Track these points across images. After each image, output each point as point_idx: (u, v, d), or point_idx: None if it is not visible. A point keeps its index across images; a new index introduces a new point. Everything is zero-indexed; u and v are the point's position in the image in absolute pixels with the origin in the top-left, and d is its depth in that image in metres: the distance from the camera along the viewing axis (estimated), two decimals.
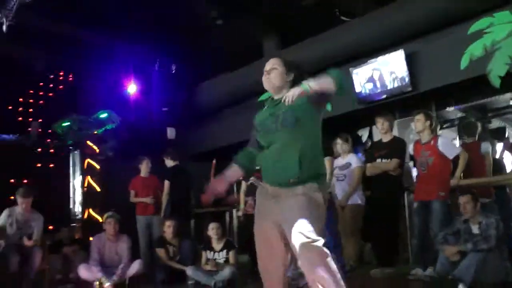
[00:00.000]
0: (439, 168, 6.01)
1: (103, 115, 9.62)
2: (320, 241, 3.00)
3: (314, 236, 3.00)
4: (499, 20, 6.53)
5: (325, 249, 3.00)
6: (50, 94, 10.26)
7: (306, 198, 3.14)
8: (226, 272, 6.54)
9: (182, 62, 10.57)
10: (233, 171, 3.58)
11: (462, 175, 6.11)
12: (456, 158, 6.08)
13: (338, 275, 2.99)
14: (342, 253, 6.02)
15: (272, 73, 3.36)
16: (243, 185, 7.51)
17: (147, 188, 8.39)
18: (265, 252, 3.31)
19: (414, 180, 6.78)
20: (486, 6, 6.60)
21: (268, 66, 3.39)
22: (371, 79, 7.97)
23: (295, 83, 3.31)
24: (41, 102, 10.16)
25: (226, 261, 6.82)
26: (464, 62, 6.83)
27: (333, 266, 3.00)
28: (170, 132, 10.98)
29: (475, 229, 5.32)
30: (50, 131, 9.62)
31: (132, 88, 10.41)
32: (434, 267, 5.54)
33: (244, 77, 9.31)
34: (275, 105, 3.34)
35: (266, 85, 3.41)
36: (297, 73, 3.39)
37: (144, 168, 8.59)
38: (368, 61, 8.00)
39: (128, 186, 8.59)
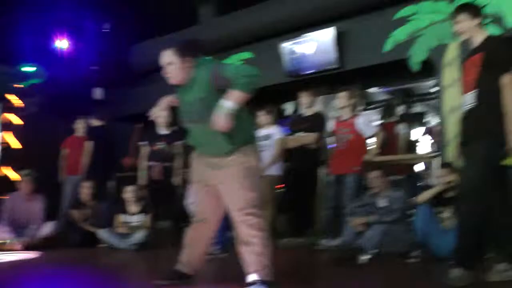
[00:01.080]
0: (356, 145, 6.22)
1: (29, 69, 9.31)
2: (256, 212, 3.35)
3: (249, 208, 3.33)
4: (423, 9, 6.85)
5: (257, 219, 3.34)
6: None
7: (240, 168, 3.37)
8: (139, 235, 6.51)
9: (117, 21, 10.35)
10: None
11: (377, 152, 6.35)
12: (374, 136, 6.33)
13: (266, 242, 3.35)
14: None
15: (170, 69, 3.43)
16: (143, 150, 7.32)
17: (79, 148, 8.10)
18: (204, 205, 3.64)
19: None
20: None
21: (163, 61, 3.45)
22: (300, 54, 8.10)
23: (196, 64, 3.43)
24: None
25: (141, 225, 6.74)
26: (388, 45, 7.13)
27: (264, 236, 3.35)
28: (98, 92, 10.73)
29: (381, 203, 5.59)
30: None
31: (62, 43, 10.08)
32: (340, 239, 5.76)
33: (178, 42, 9.19)
34: (186, 92, 3.44)
35: (170, 81, 3.49)
36: (194, 54, 3.45)
37: (80, 128, 8.40)
38: (300, 35, 8.11)
39: (52, 144, 8.40)
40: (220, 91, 3.27)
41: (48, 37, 10.00)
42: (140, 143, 7.45)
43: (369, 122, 6.58)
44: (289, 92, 7.91)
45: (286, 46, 8.19)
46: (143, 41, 10.34)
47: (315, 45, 7.91)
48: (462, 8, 4.05)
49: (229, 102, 3.21)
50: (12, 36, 9.25)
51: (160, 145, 7.17)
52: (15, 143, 9.29)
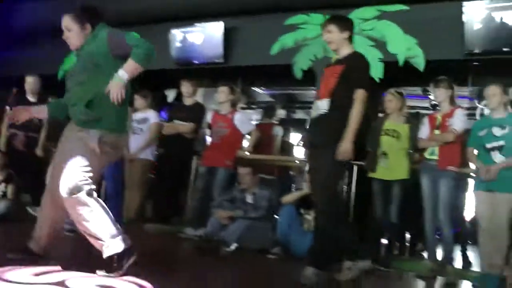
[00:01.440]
0: (231, 140, 6.37)
1: None
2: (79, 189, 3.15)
3: (73, 183, 3.13)
4: (314, 20, 7.14)
5: (82, 197, 3.14)
6: None
7: (80, 143, 3.24)
8: (1, 206, 6.13)
9: None
10: (41, 109, 3.69)
11: (250, 149, 6.56)
12: (250, 134, 6.55)
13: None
14: (122, 203, 6.07)
15: (69, 35, 3.36)
16: (7, 116, 6.94)
17: None
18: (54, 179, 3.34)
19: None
20: (307, 5, 7.10)
21: (63, 25, 3.36)
22: (188, 43, 8.15)
23: (94, 29, 3.38)
24: None
25: (4, 194, 6.40)
26: (275, 49, 7.36)
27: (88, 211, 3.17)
28: None
29: (249, 199, 5.80)
30: None
31: None
32: (204, 230, 5.84)
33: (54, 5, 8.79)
34: (79, 53, 3.41)
35: (71, 47, 3.43)
36: (93, 20, 3.40)
37: None
38: (190, 25, 8.14)
39: None
40: (110, 58, 3.26)
41: None
42: (6, 107, 7.09)
43: (246, 120, 6.77)
44: (174, 79, 7.91)
45: (176, 33, 8.20)
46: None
47: (204, 37, 8.01)
48: (333, 20, 4.23)
49: (125, 73, 3.20)
50: None
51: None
52: None
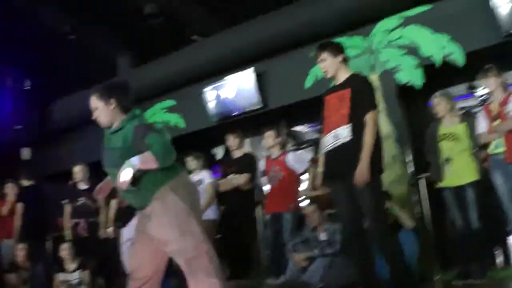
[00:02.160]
0: (289, 182, 6.28)
1: None
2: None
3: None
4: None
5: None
6: None
7: (165, 215, 3.26)
8: None
9: (35, 78, 10.18)
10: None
11: (311, 187, 6.43)
12: (306, 172, 6.44)
13: None
14: None
15: (97, 113, 3.42)
16: (67, 208, 7.26)
17: (11, 212, 7.73)
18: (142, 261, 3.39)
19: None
20: (327, 32, 7.04)
21: (91, 106, 3.44)
22: (223, 97, 8.18)
23: (121, 105, 3.43)
24: None
25: (80, 282, 6.60)
26: (308, 82, 7.30)
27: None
28: (25, 152, 10.50)
29: (322, 236, 5.66)
30: None
31: None
32: (285, 277, 5.74)
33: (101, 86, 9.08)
34: (111, 138, 3.43)
35: (100, 125, 3.48)
36: (118, 94, 3.46)
37: (10, 191, 8.09)
38: (220, 79, 8.20)
39: None
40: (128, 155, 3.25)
41: None
42: (62, 201, 7.35)
43: (299, 159, 6.69)
44: (217, 136, 7.95)
45: (208, 90, 8.26)
46: (64, 96, 10.17)
47: (237, 87, 8.02)
48: (324, 47, 4.28)
49: (137, 162, 3.16)
50: None
51: (81, 201, 7.09)
52: None
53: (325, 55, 4.20)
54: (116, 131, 3.38)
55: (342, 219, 4.28)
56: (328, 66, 4.21)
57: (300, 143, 10.56)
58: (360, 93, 4.05)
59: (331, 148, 4.14)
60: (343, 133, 4.03)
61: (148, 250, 3.35)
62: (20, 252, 7.01)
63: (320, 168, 4.46)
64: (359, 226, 4.14)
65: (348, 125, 4.02)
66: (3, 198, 7.99)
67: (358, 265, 4.26)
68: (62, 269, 6.72)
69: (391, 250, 3.99)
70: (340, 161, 4.08)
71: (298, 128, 10.15)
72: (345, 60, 4.27)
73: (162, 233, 3.25)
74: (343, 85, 4.18)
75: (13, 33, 8.79)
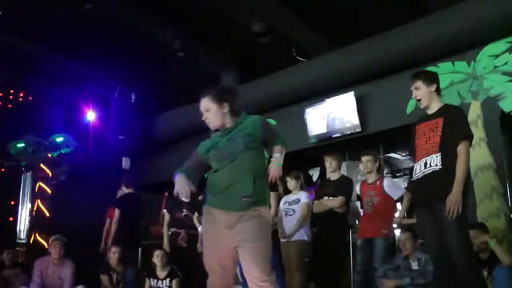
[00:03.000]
0: (383, 208, 6.21)
1: (59, 139, 9.60)
2: (272, 277, 3.29)
3: (268, 270, 3.28)
4: (442, 69, 6.96)
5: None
6: (6, 112, 10.04)
7: (259, 221, 3.39)
8: None
9: (142, 91, 10.65)
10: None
11: (405, 214, 6.32)
12: (401, 198, 6.33)
13: None
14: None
15: (208, 115, 3.53)
16: (166, 217, 7.51)
17: None
18: (218, 270, 3.48)
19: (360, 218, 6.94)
20: (431, 56, 6.95)
21: (201, 109, 3.55)
22: (323, 119, 8.22)
23: (232, 109, 3.58)
24: None
25: None
26: (410, 107, 7.21)
27: None
28: (125, 162, 10.96)
29: (414, 265, 5.54)
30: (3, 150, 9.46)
31: (90, 115, 10.40)
32: None
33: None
34: (228, 133, 3.53)
35: (210, 127, 3.59)
36: (231, 99, 3.59)
37: None
38: (321, 101, 8.27)
39: (79, 212, 8.64)
40: (258, 146, 3.52)
41: (77, 109, 10.30)
42: (164, 210, 7.60)
43: (396, 185, 6.61)
44: (315, 158, 7.97)
45: (309, 111, 8.33)
46: (167, 110, 10.56)
47: (337, 110, 8.06)
48: (418, 75, 4.29)
49: (280, 156, 3.55)
50: (45, 109, 9.65)
51: (185, 213, 7.30)
52: (44, 211, 9.48)
53: (419, 84, 4.22)
54: (231, 129, 3.53)
55: (430, 250, 4.25)
56: (422, 95, 4.23)
57: (395, 170, 10.42)
58: (453, 122, 4.05)
59: (420, 176, 4.12)
60: (433, 162, 4.02)
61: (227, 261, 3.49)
62: (113, 254, 7.25)
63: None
64: (448, 258, 4.02)
65: (439, 154, 4.00)
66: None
67: None
68: (153, 275, 6.89)
69: (476, 282, 3.88)
70: (429, 189, 4.05)
71: (393, 155, 10.02)
72: (438, 90, 4.28)
73: (249, 241, 3.36)
74: (436, 115, 4.18)
75: (124, 47, 9.24)
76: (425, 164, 4.06)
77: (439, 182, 3.96)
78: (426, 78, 4.25)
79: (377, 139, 8.07)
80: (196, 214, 7.19)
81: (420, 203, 4.20)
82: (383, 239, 6.05)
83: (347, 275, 6.85)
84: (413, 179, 4.25)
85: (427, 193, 4.07)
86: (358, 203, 7.48)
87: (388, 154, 9.57)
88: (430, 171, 4.03)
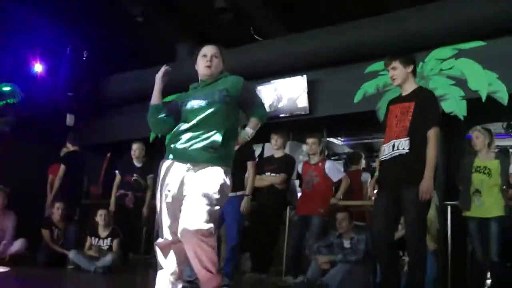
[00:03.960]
0: (323, 188, 6.59)
1: (6, 88, 9.41)
2: (209, 226, 3.14)
3: (204, 219, 3.13)
4: None
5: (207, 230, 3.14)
6: None
7: (217, 175, 3.31)
8: (107, 258, 6.63)
9: (95, 51, 10.56)
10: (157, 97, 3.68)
11: (342, 196, 6.69)
12: (339, 181, 6.71)
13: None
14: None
15: (214, 61, 3.62)
16: (118, 177, 7.67)
17: None
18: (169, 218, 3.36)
19: (298, 196, 7.26)
20: (384, 52, 7.25)
21: (209, 52, 3.63)
22: (273, 98, 8.47)
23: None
24: None
25: (110, 248, 6.92)
26: (358, 97, 7.57)
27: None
28: (69, 119, 10.83)
29: (346, 243, 5.95)
30: None
31: (38, 67, 10.19)
32: (304, 276, 5.99)
33: (152, 77, 9.38)
34: (207, 85, 3.61)
35: (206, 70, 3.61)
36: (226, 62, 3.76)
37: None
38: (273, 81, 8.51)
39: (20, 164, 8.65)
40: (233, 104, 3.52)
41: (26, 60, 10.08)
42: (116, 171, 7.76)
43: (336, 168, 6.96)
44: (258, 134, 8.19)
45: (262, 89, 8.52)
46: (117, 73, 10.56)
47: (287, 91, 8.33)
48: (397, 56, 4.39)
49: (252, 132, 3.61)
50: None
51: (135, 177, 7.46)
52: None
53: (396, 64, 4.31)
54: (211, 82, 3.63)
55: (376, 227, 4.32)
56: (397, 74, 4.31)
57: (332, 154, 10.81)
58: (425, 107, 4.15)
59: (388, 158, 4.24)
60: (401, 145, 4.14)
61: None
62: (56, 210, 7.34)
63: (376, 174, 4.59)
64: (391, 238, 4.28)
65: (407, 138, 4.12)
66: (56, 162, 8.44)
67: (384, 275, 4.37)
68: (95, 234, 7.03)
69: (422, 264, 4.07)
70: (395, 171, 4.17)
71: (333, 140, 10.39)
72: (414, 72, 4.39)
73: (198, 190, 3.24)
74: (409, 97, 4.28)
75: (81, 5, 9.10)
76: (393, 146, 4.19)
77: (405, 165, 4.09)
78: (403, 58, 4.32)
79: (322, 123, 8.41)
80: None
81: (384, 183, 4.31)
82: (319, 217, 6.41)
83: (281, 249, 7.15)
84: (380, 159, 4.39)
85: (393, 175, 4.19)
86: (297, 182, 7.77)
87: (328, 139, 9.91)
88: (397, 154, 4.14)
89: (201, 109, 3.46)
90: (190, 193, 3.26)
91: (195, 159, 3.34)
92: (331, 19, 7.84)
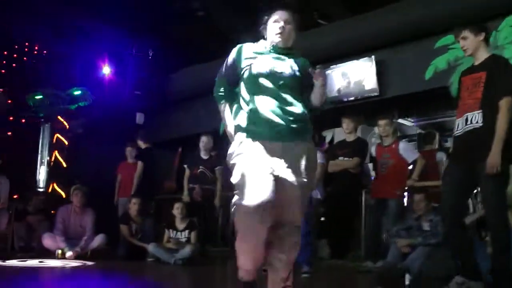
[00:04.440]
0: (398, 170, 6.42)
1: (77, 92, 9.74)
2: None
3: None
4: None
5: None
6: (24, 67, 10.09)
7: (311, 157, 3.08)
8: (186, 250, 6.71)
9: (159, 49, 10.69)
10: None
11: (418, 177, 6.50)
12: (414, 162, 6.51)
13: None
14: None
15: (288, 28, 3.20)
16: (187, 171, 7.71)
17: (131, 173, 8.41)
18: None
19: (372, 179, 7.12)
20: (453, 25, 7.03)
21: (283, 18, 3.21)
22: (341, 82, 8.33)
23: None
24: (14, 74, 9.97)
25: (188, 240, 6.98)
26: (429, 73, 7.31)
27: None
28: (139, 117, 11.05)
29: (425, 226, 5.73)
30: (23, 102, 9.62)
31: (106, 69, 10.46)
32: (384, 260, 5.87)
33: (216, 70, 9.42)
34: (279, 52, 3.22)
35: (279, 36, 3.18)
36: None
37: (129, 155, 8.75)
38: (340, 64, 8.36)
39: (94, 164, 8.99)
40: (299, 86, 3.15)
41: (94, 63, 10.37)
42: (185, 166, 7.84)
43: (410, 149, 6.78)
44: (329, 119, 8.10)
45: (331, 73, 8.38)
46: (182, 68, 10.66)
47: (356, 73, 8.17)
48: (466, 25, 4.17)
49: (323, 88, 3.22)
50: (61, 63, 9.74)
51: (200, 169, 7.53)
52: (61, 161, 9.73)
53: (466, 33, 4.11)
54: (284, 51, 3.23)
55: (446, 202, 4.18)
56: (468, 44, 4.12)
57: (402, 136, 10.57)
58: (496, 77, 3.95)
59: (461, 133, 4.09)
60: (474, 119, 3.98)
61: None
62: (133, 205, 7.47)
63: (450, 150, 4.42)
64: (461, 217, 4.16)
65: (480, 111, 3.96)
66: (125, 160, 8.64)
67: (458, 256, 4.27)
68: (173, 227, 7.12)
69: (505, 243, 3.90)
70: (469, 146, 4.03)
71: (402, 121, 10.16)
72: (487, 40, 4.17)
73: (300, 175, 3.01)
74: (480, 67, 4.09)
75: (144, 4, 9.27)
76: (466, 120, 4.03)
77: (479, 139, 3.93)
78: (474, 27, 4.12)
79: (393, 104, 8.20)
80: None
81: (457, 158, 4.17)
82: (396, 200, 6.29)
83: (358, 233, 7.05)
84: (454, 134, 4.22)
85: (467, 149, 4.05)
86: (370, 165, 7.64)
87: (399, 120, 9.69)
88: (471, 128, 3.99)
89: (277, 78, 3.10)
90: (292, 178, 2.98)
91: (285, 140, 3.02)
92: None
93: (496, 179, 3.86)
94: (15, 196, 8.56)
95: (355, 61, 8.19)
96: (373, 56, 7.95)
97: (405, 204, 6.67)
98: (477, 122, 3.97)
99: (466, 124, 4.05)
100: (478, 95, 4.00)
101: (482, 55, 4.14)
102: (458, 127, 4.14)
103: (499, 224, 3.95)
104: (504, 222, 3.98)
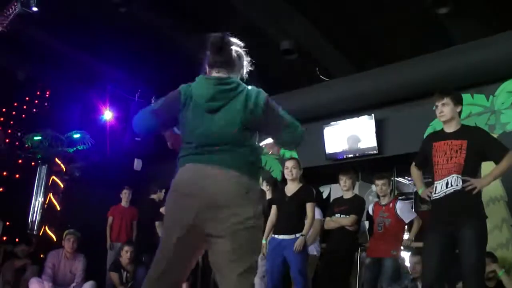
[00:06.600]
0: (395, 229, 6.36)
1: (76, 135, 9.74)
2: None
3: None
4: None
5: None
6: (25, 106, 10.21)
7: (252, 211, 2.74)
8: None
9: (162, 95, 10.72)
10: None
11: (414, 238, 6.45)
12: (411, 222, 6.46)
13: None
14: None
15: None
16: None
17: (124, 217, 8.44)
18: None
19: (368, 238, 7.05)
20: (451, 86, 7.09)
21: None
22: (340, 139, 8.36)
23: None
24: (14, 113, 10.07)
25: None
26: (427, 134, 7.32)
27: None
28: (137, 163, 11.04)
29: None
30: (21, 142, 9.64)
31: (107, 114, 10.50)
32: None
33: None
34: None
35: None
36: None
37: (124, 197, 8.69)
38: (340, 121, 8.40)
39: (89, 209, 8.88)
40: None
41: (96, 107, 10.42)
42: None
43: (408, 209, 6.74)
44: (326, 175, 8.08)
45: (329, 129, 8.45)
46: None
47: (355, 131, 8.21)
48: (449, 92, 4.41)
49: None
50: (63, 105, 9.79)
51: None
52: (56, 204, 9.67)
53: (448, 100, 4.35)
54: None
55: (428, 266, 4.23)
56: (447, 111, 4.34)
57: (399, 194, 10.54)
58: (482, 143, 4.23)
59: (442, 195, 4.23)
60: (454, 182, 4.15)
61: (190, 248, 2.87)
62: (125, 253, 7.39)
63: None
64: (444, 277, 4.22)
65: (459, 175, 4.14)
66: (119, 203, 8.58)
67: None
68: None
69: None
70: (450, 208, 4.18)
71: (400, 179, 10.14)
72: (460, 113, 4.45)
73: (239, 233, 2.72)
74: (456, 135, 4.30)
75: (151, 53, 9.35)
76: (447, 183, 4.19)
77: (461, 201, 4.12)
78: (455, 97, 4.39)
79: (391, 162, 8.21)
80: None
81: (438, 221, 4.27)
82: (392, 259, 6.19)
83: None
84: (433, 198, 4.34)
85: (448, 212, 4.19)
86: (366, 223, 7.59)
87: (397, 178, 9.67)
88: (452, 190, 4.15)
89: None
90: None
91: None
92: (395, 56, 7.75)
93: (478, 244, 4.01)
94: (4, 238, 8.42)
95: (355, 118, 8.24)
96: (373, 114, 8.01)
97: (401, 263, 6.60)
98: (457, 185, 4.14)
99: (446, 187, 4.19)
100: (459, 161, 4.19)
101: (456, 125, 4.38)
102: (436, 190, 4.28)
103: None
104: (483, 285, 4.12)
